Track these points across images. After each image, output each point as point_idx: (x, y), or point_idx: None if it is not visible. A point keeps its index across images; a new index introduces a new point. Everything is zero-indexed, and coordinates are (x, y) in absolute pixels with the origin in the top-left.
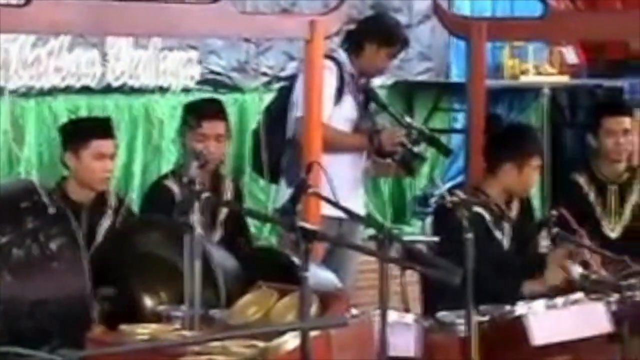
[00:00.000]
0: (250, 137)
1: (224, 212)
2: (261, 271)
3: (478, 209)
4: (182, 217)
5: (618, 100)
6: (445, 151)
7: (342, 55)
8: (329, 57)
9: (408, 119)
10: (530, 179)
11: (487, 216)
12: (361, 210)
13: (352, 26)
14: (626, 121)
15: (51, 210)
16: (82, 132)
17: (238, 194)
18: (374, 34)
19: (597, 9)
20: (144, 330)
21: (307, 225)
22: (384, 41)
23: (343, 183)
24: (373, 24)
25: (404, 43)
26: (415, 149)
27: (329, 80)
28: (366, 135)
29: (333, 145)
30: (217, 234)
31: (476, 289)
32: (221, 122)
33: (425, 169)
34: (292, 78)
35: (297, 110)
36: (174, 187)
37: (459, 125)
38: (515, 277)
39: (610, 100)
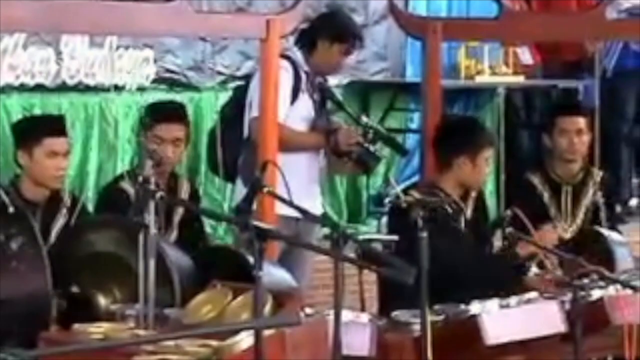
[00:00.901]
0: (207, 137)
1: (180, 211)
2: (216, 270)
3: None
4: (137, 216)
5: (572, 101)
6: (401, 150)
7: (296, 54)
8: (284, 56)
9: (364, 118)
10: (483, 171)
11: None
12: (317, 209)
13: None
14: (580, 121)
15: (11, 209)
16: (34, 130)
17: (194, 194)
18: (326, 31)
19: (552, 10)
20: (97, 330)
21: (261, 225)
22: (337, 37)
23: (299, 182)
24: (325, 20)
25: (357, 39)
26: (372, 148)
27: (285, 80)
28: (323, 134)
29: (289, 145)
30: (173, 234)
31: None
32: (180, 126)
33: (381, 169)
34: (248, 77)
35: (252, 110)
36: (130, 188)
37: (414, 125)
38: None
39: (564, 101)
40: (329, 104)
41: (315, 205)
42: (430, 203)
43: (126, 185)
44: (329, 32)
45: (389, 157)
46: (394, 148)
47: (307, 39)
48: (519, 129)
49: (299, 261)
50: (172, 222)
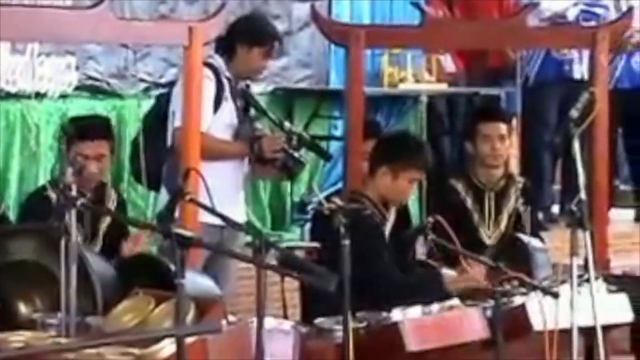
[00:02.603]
0: (130, 145)
1: (106, 221)
2: (139, 278)
3: (366, 212)
4: (58, 222)
5: (494, 107)
6: (325, 155)
7: (218, 61)
8: (206, 64)
9: (287, 124)
10: (403, 190)
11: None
12: (242, 217)
13: None
14: (501, 127)
15: None
16: None
17: (121, 203)
18: (244, 35)
19: (474, 18)
20: (18, 338)
21: (183, 232)
22: (255, 41)
23: (223, 189)
24: (242, 25)
25: (276, 41)
26: (296, 154)
27: (207, 88)
28: (246, 142)
29: (213, 154)
30: (99, 243)
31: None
32: (105, 142)
33: (305, 176)
34: (171, 85)
35: (175, 120)
36: (53, 197)
37: (338, 132)
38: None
39: (486, 107)
40: (252, 110)
41: (239, 212)
42: (352, 210)
43: (51, 193)
44: (247, 36)
45: (313, 164)
46: (318, 153)
47: (226, 44)
48: (442, 136)
49: (223, 269)
50: (98, 232)
